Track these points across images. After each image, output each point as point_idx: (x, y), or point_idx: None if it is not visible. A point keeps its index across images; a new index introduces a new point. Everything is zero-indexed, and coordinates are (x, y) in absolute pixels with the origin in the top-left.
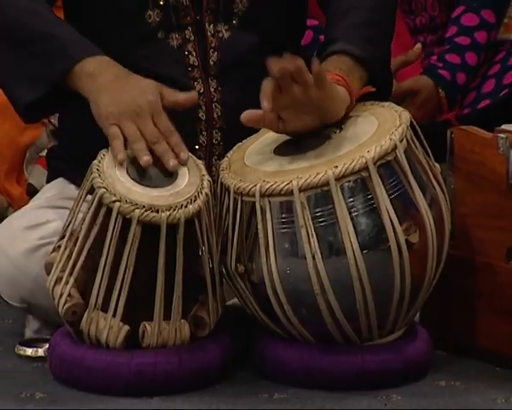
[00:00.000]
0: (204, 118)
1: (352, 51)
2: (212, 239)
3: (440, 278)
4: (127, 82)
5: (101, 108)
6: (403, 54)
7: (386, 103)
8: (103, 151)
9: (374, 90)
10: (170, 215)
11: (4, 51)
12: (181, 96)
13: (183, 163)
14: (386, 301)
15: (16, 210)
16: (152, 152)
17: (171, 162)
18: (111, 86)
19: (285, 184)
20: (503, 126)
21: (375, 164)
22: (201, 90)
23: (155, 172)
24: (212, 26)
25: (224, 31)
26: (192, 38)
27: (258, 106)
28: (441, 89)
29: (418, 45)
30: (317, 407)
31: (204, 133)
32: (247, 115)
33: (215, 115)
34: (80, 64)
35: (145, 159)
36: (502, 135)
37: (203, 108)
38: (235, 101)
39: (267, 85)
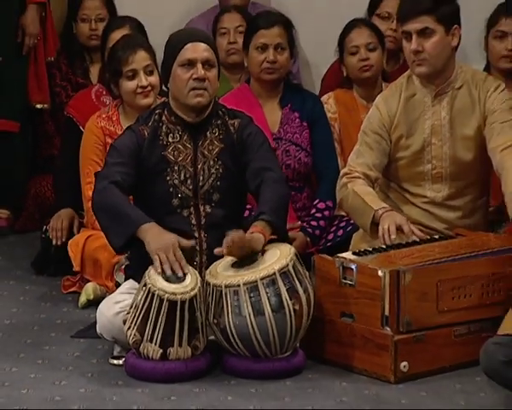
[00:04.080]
0: (198, 249)
1: (268, 220)
2: (202, 308)
3: (309, 327)
4: (163, 235)
5: (150, 247)
6: (291, 222)
7: (284, 243)
8: (150, 266)
9: (276, 237)
10: (182, 297)
11: (106, 218)
12: (186, 242)
13: (186, 274)
14: (283, 337)
15: (110, 294)
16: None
17: (180, 273)
18: (155, 237)
19: (236, 281)
20: (338, 255)
21: (278, 272)
22: (197, 236)
23: (175, 277)
24: (202, 206)
25: (208, 208)
26: (193, 211)
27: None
28: (308, 237)
29: (299, 223)
30: (251, 388)
31: (198, 256)
32: (217, 250)
33: (204, 248)
34: (141, 227)
35: (168, 272)
36: (337, 259)
37: (198, 243)
38: (214, 241)
39: (225, 241)
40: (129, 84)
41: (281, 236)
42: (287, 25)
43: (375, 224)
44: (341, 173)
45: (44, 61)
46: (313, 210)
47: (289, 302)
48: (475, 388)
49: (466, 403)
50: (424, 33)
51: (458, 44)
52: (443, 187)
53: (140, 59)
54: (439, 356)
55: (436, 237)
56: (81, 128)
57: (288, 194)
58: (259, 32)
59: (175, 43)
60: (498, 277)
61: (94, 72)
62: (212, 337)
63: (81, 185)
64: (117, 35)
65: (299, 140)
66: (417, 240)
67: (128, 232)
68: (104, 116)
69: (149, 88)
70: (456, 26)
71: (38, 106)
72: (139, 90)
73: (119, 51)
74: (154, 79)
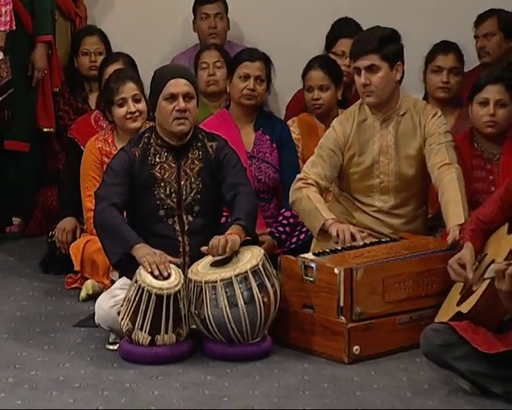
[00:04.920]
0: (182, 251)
1: (242, 224)
2: (185, 301)
3: (276, 317)
4: (151, 250)
5: (139, 256)
6: (261, 228)
7: (255, 246)
8: (140, 266)
9: (250, 238)
10: (167, 292)
11: (105, 236)
12: (171, 259)
13: (169, 273)
14: (254, 326)
15: (106, 289)
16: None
17: (165, 273)
18: (144, 252)
19: (214, 278)
20: (300, 255)
21: (250, 270)
22: (181, 240)
23: (161, 275)
24: (185, 216)
25: (190, 218)
26: (177, 220)
27: (207, 245)
28: (275, 241)
29: (268, 230)
30: (226, 369)
31: (181, 257)
32: (203, 248)
33: (187, 250)
34: (134, 247)
35: (156, 273)
36: (300, 259)
37: (182, 246)
38: (196, 244)
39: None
40: (119, 111)
41: (252, 238)
42: (267, 62)
43: (323, 230)
44: (297, 178)
45: (51, 91)
46: (280, 217)
47: (259, 296)
48: (416, 367)
49: (408, 380)
50: (371, 69)
51: (402, 78)
52: (389, 198)
53: (128, 89)
54: (386, 341)
55: (383, 240)
56: (82, 148)
57: (257, 205)
58: (244, 64)
59: (159, 80)
60: (433, 273)
61: (92, 98)
62: (193, 326)
63: (81, 197)
64: (112, 68)
65: (270, 158)
66: (367, 243)
67: (123, 252)
68: (101, 138)
69: (137, 114)
70: (399, 62)
71: (45, 130)
72: (128, 116)
73: (111, 83)
74: (142, 105)
